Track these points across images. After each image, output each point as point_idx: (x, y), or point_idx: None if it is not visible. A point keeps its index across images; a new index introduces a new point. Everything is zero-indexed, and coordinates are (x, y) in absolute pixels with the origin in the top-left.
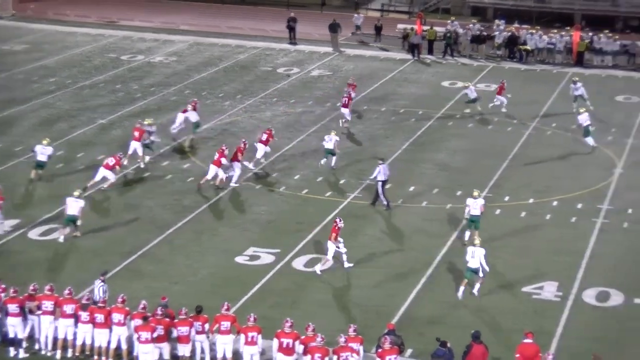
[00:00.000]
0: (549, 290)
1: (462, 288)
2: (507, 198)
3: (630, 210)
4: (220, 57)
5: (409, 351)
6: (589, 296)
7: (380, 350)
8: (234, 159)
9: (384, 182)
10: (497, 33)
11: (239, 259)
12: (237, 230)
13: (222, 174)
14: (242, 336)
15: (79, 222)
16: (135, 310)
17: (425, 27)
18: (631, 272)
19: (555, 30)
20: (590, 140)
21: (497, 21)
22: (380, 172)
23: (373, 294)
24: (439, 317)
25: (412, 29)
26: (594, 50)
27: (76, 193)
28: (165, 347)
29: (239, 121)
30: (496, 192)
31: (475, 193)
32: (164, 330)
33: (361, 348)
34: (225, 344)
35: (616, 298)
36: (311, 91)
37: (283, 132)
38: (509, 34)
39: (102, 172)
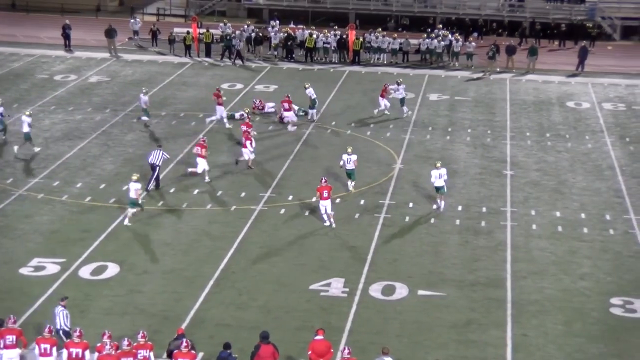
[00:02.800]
0: (336, 286)
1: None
2: (290, 197)
3: (410, 204)
4: None
5: (200, 354)
6: (375, 290)
7: (176, 351)
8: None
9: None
10: (272, 34)
11: (23, 271)
12: (19, 242)
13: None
14: (37, 347)
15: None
16: None
17: (202, 30)
18: (414, 265)
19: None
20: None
21: (272, 22)
22: (158, 157)
23: (161, 299)
24: (227, 319)
25: (188, 32)
26: (369, 49)
27: (134, 177)
28: None
29: (17, 130)
30: (279, 191)
31: (349, 150)
32: None
33: (152, 354)
34: (10, 358)
35: (401, 291)
36: (90, 97)
37: (63, 141)
38: (285, 34)
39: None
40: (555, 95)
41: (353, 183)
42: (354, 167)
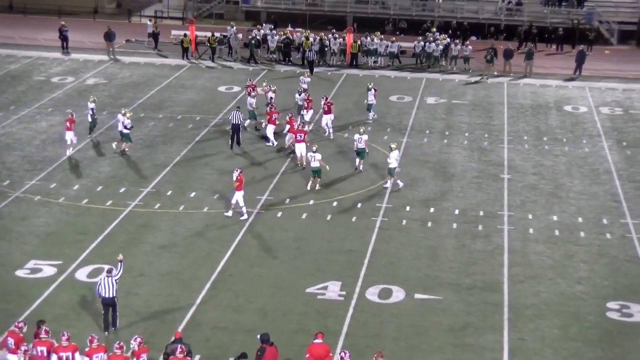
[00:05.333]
0: (332, 290)
1: (388, 182)
2: (287, 200)
3: (407, 208)
4: None
5: (196, 357)
6: (372, 294)
7: (172, 357)
8: None
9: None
10: (269, 37)
11: (20, 273)
12: (15, 244)
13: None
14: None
15: None
16: None
17: (206, 34)
18: (410, 268)
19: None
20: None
21: (265, 25)
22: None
23: (157, 302)
24: (224, 322)
25: (185, 34)
26: (367, 52)
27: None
28: None
29: (14, 132)
30: (276, 195)
31: (362, 130)
32: None
33: (145, 356)
34: None
35: (398, 294)
36: (87, 100)
37: (60, 143)
38: (283, 37)
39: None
40: (552, 99)
41: (362, 162)
42: (364, 147)
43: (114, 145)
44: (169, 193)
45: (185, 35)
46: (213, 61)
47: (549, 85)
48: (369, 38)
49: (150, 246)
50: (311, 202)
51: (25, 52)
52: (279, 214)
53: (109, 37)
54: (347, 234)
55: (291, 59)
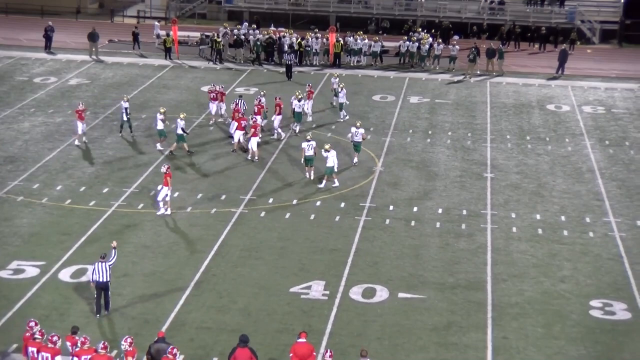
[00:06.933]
0: (316, 289)
1: (324, 182)
2: (271, 200)
3: (391, 207)
4: None
5: (180, 358)
6: (356, 293)
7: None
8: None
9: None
10: (251, 37)
11: (2, 274)
12: None
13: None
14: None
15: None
16: None
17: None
18: (394, 267)
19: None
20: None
21: (245, 24)
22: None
23: (141, 303)
24: (207, 322)
25: (168, 34)
26: (350, 51)
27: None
28: None
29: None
30: (260, 194)
31: (358, 124)
32: None
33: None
34: None
35: (381, 294)
36: (70, 100)
37: (43, 143)
38: (267, 37)
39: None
40: (535, 98)
41: (357, 156)
42: (361, 140)
43: (158, 145)
44: (152, 193)
45: (168, 35)
46: (221, 62)
47: (532, 84)
48: (352, 37)
49: (134, 246)
50: (295, 201)
51: (7, 52)
52: (262, 214)
53: (93, 37)
54: (330, 233)
55: (274, 59)
